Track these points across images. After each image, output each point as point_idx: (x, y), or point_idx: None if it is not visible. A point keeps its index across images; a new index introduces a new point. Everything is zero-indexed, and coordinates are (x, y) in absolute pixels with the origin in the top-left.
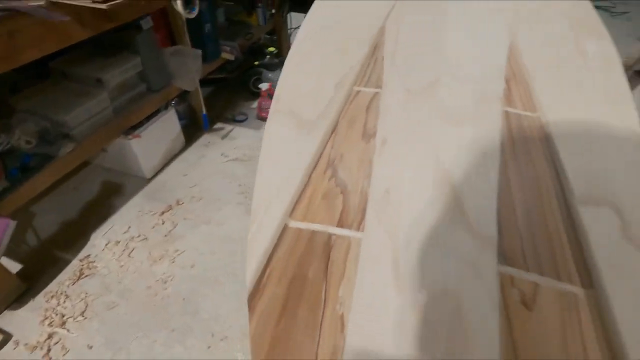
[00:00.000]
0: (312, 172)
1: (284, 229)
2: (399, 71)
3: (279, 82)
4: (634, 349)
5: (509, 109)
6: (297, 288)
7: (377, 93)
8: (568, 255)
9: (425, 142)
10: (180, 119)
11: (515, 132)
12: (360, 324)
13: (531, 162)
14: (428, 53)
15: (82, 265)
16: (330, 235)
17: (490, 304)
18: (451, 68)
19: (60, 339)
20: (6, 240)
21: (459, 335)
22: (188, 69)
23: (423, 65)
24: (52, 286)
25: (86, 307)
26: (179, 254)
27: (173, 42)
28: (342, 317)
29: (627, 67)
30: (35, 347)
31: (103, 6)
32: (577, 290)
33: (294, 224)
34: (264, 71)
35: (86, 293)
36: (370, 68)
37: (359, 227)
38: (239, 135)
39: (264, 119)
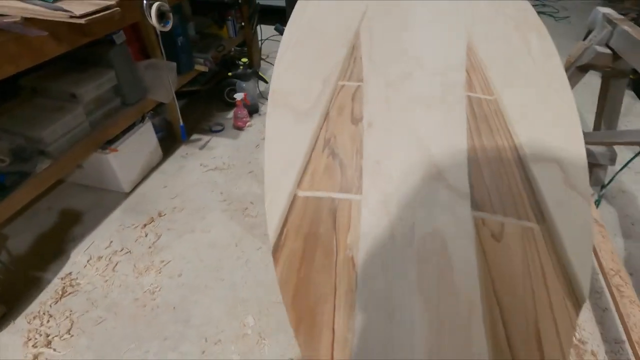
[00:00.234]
0: (312, 152)
1: (294, 198)
2: (376, 67)
3: (272, 81)
4: (578, 265)
5: (471, 94)
6: (312, 241)
7: (359, 86)
8: (525, 200)
9: (405, 123)
10: (156, 131)
11: (477, 112)
12: (367, 261)
13: (492, 134)
14: (399, 51)
15: (64, 283)
16: (333, 199)
17: (468, 238)
18: (420, 63)
19: (47, 359)
20: None
21: (446, 262)
22: (163, 81)
23: (396, 62)
24: (34, 307)
25: (72, 324)
26: (165, 264)
27: (146, 56)
28: (352, 258)
29: (570, 64)
30: None
31: (81, 21)
32: (534, 225)
33: (302, 193)
34: (238, 82)
35: (71, 311)
36: (351, 66)
37: (357, 191)
38: (217, 145)
39: (240, 129)
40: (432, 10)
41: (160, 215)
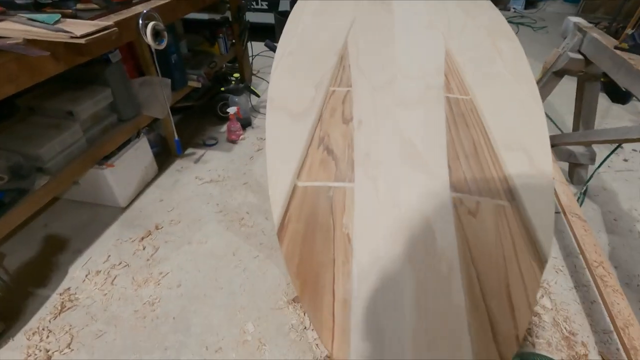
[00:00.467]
0: (308, 148)
1: (295, 187)
2: (364, 74)
3: (269, 88)
4: (542, 232)
5: (449, 95)
6: (312, 222)
7: (348, 91)
8: (498, 183)
9: (390, 121)
10: (152, 146)
11: (455, 110)
12: (361, 236)
13: (467, 128)
14: (384, 59)
15: (63, 298)
16: (330, 187)
17: (448, 215)
18: (403, 69)
19: None
20: None
21: (429, 235)
22: (158, 97)
23: (381, 69)
24: (33, 323)
25: (72, 339)
26: (163, 276)
27: (141, 73)
28: (347, 234)
29: (546, 70)
30: None
31: (82, 41)
32: (505, 203)
33: (301, 183)
34: (230, 96)
35: (70, 325)
36: (340, 73)
37: (350, 179)
38: (211, 159)
39: (233, 142)
40: (413, 22)
41: (157, 228)
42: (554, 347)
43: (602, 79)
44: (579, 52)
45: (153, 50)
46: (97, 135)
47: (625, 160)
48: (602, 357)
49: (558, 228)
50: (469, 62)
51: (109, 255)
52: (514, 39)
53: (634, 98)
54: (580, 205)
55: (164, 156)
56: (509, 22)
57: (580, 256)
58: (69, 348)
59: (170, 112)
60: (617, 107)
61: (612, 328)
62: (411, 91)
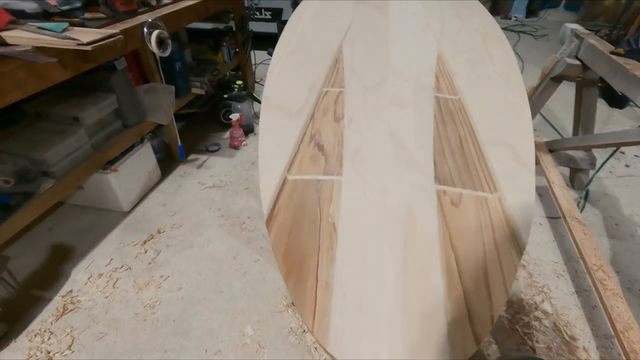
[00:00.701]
0: (300, 144)
1: (285, 181)
2: (357, 75)
3: (265, 88)
4: (521, 220)
5: (439, 95)
6: (300, 212)
7: (341, 91)
8: (481, 176)
9: (380, 119)
10: (155, 152)
11: (444, 109)
12: (346, 225)
13: (455, 125)
14: (377, 62)
15: (65, 301)
16: (318, 181)
17: (431, 205)
18: (395, 70)
19: None
20: None
21: (411, 223)
22: (162, 104)
23: (374, 70)
24: (35, 325)
25: (73, 341)
26: (164, 279)
27: (146, 80)
28: (333, 224)
29: (544, 76)
30: None
31: (88, 48)
32: (487, 194)
33: (291, 177)
34: (233, 103)
35: (72, 327)
36: (334, 75)
37: (339, 173)
38: (214, 164)
39: (236, 148)
40: (407, 25)
41: (159, 232)
42: (555, 352)
43: (599, 84)
44: (576, 58)
45: (157, 58)
46: (101, 141)
47: (627, 166)
48: None
49: (558, 232)
50: (460, 64)
51: (112, 259)
52: (505, 43)
53: (631, 102)
54: (582, 210)
55: (168, 162)
56: (510, 30)
57: (581, 261)
58: (70, 350)
59: (173, 118)
60: (618, 114)
61: (613, 333)
62: (402, 91)
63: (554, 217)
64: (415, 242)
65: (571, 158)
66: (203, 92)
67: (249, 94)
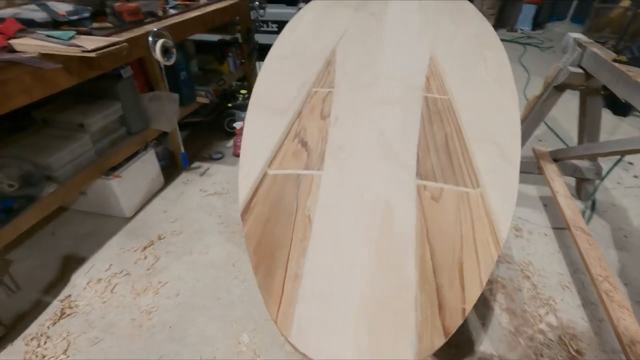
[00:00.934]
0: (284, 140)
1: (265, 175)
2: (347, 77)
3: (254, 87)
4: (502, 213)
5: (428, 94)
6: (276, 205)
7: (330, 91)
8: (465, 172)
9: (367, 117)
10: (159, 160)
11: (432, 108)
12: (321, 217)
13: (442, 123)
14: (369, 65)
15: (63, 305)
16: (299, 175)
17: (410, 199)
18: (386, 72)
19: None
20: None
21: (388, 216)
22: (166, 112)
23: (365, 72)
24: (32, 329)
25: (68, 345)
26: (162, 285)
27: (151, 88)
28: (309, 216)
29: (547, 84)
30: None
31: (92, 54)
32: (469, 190)
33: (271, 171)
34: (237, 112)
35: (68, 332)
36: (325, 76)
37: (319, 168)
38: (217, 172)
39: (239, 156)
40: (402, 31)
41: (159, 238)
42: None
43: (602, 92)
44: (579, 66)
45: (162, 66)
46: (105, 147)
47: (636, 176)
48: None
49: (564, 243)
50: (452, 66)
51: (111, 264)
52: (500, 48)
53: (636, 112)
54: (589, 221)
55: (171, 169)
56: (516, 42)
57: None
58: (65, 354)
59: (177, 126)
60: (625, 125)
61: (619, 347)
62: (390, 91)
63: (560, 227)
64: (390, 236)
65: (576, 168)
66: (208, 101)
67: None
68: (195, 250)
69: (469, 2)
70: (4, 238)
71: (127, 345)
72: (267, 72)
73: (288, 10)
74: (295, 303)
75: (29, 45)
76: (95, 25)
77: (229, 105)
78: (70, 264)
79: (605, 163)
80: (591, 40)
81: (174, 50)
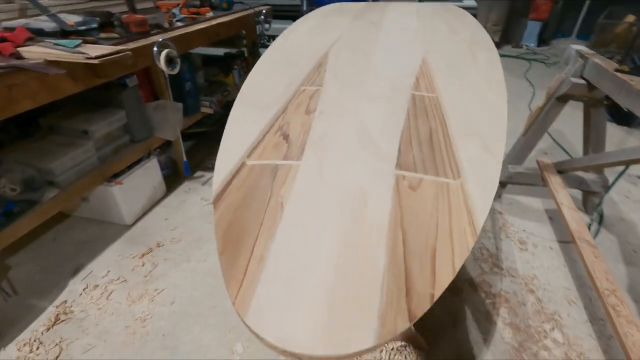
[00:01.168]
0: (266, 134)
1: (242, 165)
2: (337, 77)
3: (242, 86)
4: (480, 203)
5: (416, 93)
6: (251, 193)
7: (318, 89)
8: (446, 164)
9: (351, 112)
10: (162, 169)
11: (419, 104)
12: (294, 204)
13: (427, 119)
14: (361, 67)
15: (58, 311)
16: (277, 165)
17: (386, 187)
18: (376, 73)
19: None
20: None
21: (362, 203)
22: (169, 120)
23: (355, 73)
24: (25, 334)
25: (60, 351)
26: (158, 293)
27: (156, 98)
28: (282, 204)
29: (549, 96)
30: None
31: (95, 61)
32: (449, 180)
33: (250, 162)
34: None
35: (61, 338)
36: (315, 76)
37: (299, 159)
38: None
39: None
40: (397, 38)
41: (158, 245)
42: None
43: (605, 102)
44: (582, 77)
45: (167, 76)
46: (108, 154)
47: None
48: None
49: (570, 257)
50: (443, 68)
51: (109, 271)
52: (492, 50)
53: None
54: (596, 235)
55: (174, 178)
56: (522, 58)
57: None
58: None
59: (180, 134)
60: (633, 138)
61: None
62: (379, 89)
63: (565, 241)
64: (362, 221)
65: (582, 180)
66: (212, 112)
67: None
68: (194, 258)
69: (466, 12)
70: (2, 241)
71: (119, 353)
72: (257, 72)
73: None
74: (257, 284)
75: (35, 52)
76: (102, 35)
77: None
78: (68, 270)
79: (612, 176)
80: (593, 52)
81: (178, 60)
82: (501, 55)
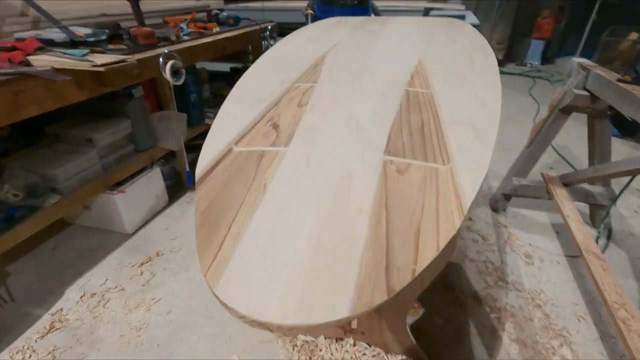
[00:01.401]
0: (256, 124)
1: (229, 150)
2: (332, 75)
3: (236, 85)
4: (468, 185)
5: (410, 89)
6: (235, 175)
7: (312, 86)
8: (436, 151)
9: (343, 105)
10: (165, 179)
11: (412, 99)
12: (277, 185)
13: (420, 111)
14: (357, 67)
15: (53, 318)
16: (264, 151)
17: (373, 172)
18: (372, 72)
19: None
20: None
21: (346, 184)
22: (173, 131)
23: (351, 72)
24: (19, 342)
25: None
26: (155, 302)
27: (161, 109)
28: (265, 185)
29: (552, 108)
30: None
31: (101, 68)
32: (439, 166)
33: (237, 148)
34: None
35: (54, 346)
36: (310, 75)
37: (286, 145)
38: None
39: None
40: (395, 43)
41: (158, 255)
42: None
43: (609, 112)
44: (584, 88)
45: (172, 86)
46: (112, 163)
47: None
48: None
49: (578, 272)
50: (439, 68)
51: (107, 279)
52: (490, 54)
53: None
54: (604, 250)
55: (177, 188)
56: (526, 76)
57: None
58: None
59: (184, 145)
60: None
61: None
62: (373, 85)
63: (573, 255)
64: (345, 201)
65: (589, 193)
66: None
67: None
68: (193, 267)
69: (466, 23)
70: (2, 246)
71: None
72: (252, 70)
73: None
74: (231, 258)
75: (44, 60)
76: (110, 47)
77: None
78: (66, 277)
79: (619, 190)
80: (595, 64)
81: (183, 71)
82: (505, 73)
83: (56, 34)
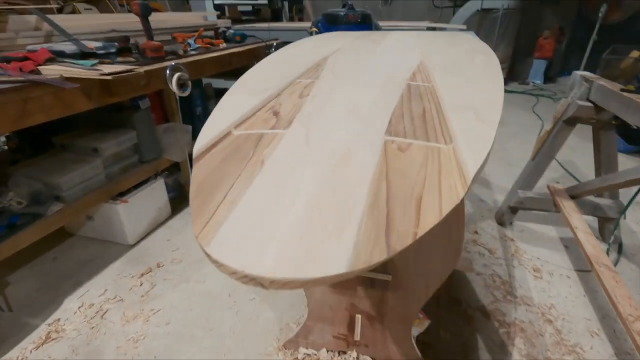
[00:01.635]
0: (257, 112)
1: (228, 133)
2: (334, 72)
3: (241, 77)
4: (471, 160)
5: (411, 82)
6: (233, 153)
7: (314, 81)
8: (439, 132)
9: (344, 96)
10: (169, 191)
11: (413, 91)
12: (275, 160)
13: (421, 100)
14: (359, 66)
15: (50, 329)
16: (263, 134)
17: (374, 149)
18: (373, 69)
19: None
20: None
21: (346, 160)
22: (178, 142)
23: (353, 71)
24: (14, 352)
25: None
26: (154, 313)
27: (166, 121)
28: (262, 161)
29: (556, 119)
30: None
31: (109, 77)
32: (441, 145)
33: (236, 131)
34: None
35: (49, 357)
36: (312, 72)
37: (286, 128)
38: None
39: None
40: (396, 46)
41: (158, 266)
42: None
43: (613, 122)
44: (588, 100)
45: (177, 99)
46: (116, 172)
47: None
48: None
49: (590, 287)
50: (440, 66)
51: (106, 290)
52: (491, 54)
53: None
54: (616, 264)
55: (180, 200)
56: (529, 94)
57: (617, 314)
58: None
59: (187, 156)
60: None
61: None
62: (375, 79)
63: (583, 269)
64: (344, 172)
65: (597, 206)
66: None
67: None
68: (193, 279)
69: (466, 33)
70: (2, 253)
71: None
72: (255, 69)
73: None
74: (225, 221)
75: (53, 69)
76: (119, 59)
77: None
78: (65, 287)
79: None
80: (597, 76)
81: (189, 84)
82: (508, 92)
83: (67, 46)
